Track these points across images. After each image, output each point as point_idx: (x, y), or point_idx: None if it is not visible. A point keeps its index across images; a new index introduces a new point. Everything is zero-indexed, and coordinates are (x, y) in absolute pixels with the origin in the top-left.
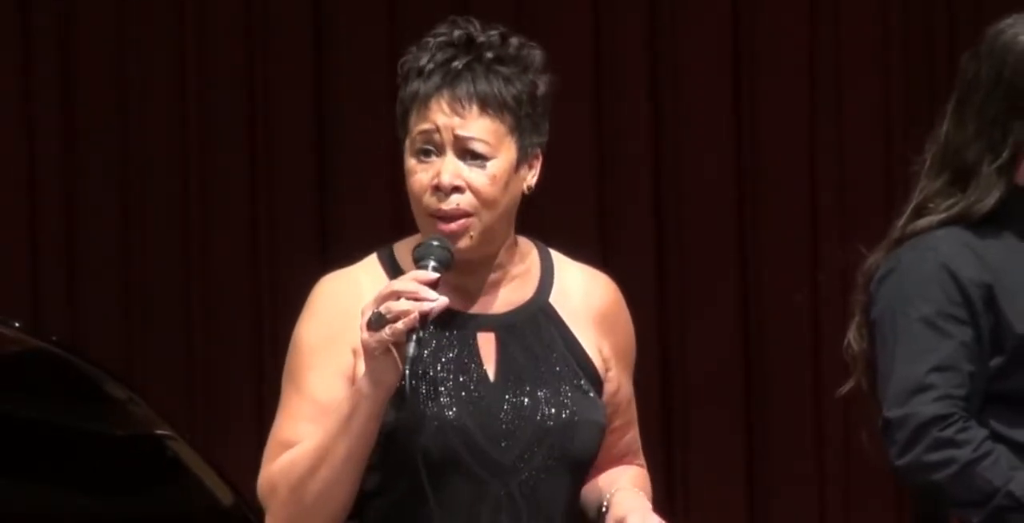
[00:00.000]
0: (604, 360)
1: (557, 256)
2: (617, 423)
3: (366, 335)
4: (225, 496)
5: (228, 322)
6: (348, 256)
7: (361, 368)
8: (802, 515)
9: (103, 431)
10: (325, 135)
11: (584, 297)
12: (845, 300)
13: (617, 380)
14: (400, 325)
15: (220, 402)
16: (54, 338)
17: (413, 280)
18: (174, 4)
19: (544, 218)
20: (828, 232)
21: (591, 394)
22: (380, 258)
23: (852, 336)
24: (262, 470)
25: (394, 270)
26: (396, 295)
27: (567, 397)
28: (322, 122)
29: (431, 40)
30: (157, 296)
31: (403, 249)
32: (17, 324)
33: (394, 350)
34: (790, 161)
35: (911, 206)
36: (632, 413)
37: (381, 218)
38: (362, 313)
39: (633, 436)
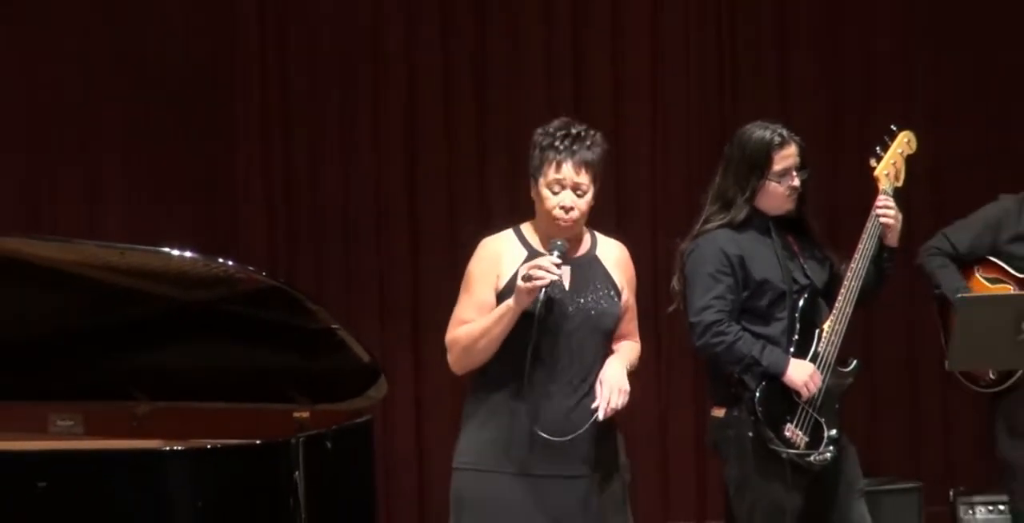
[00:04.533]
0: (621, 285)
1: (599, 234)
2: (627, 317)
3: (520, 283)
4: (365, 356)
5: (438, 261)
6: (497, 229)
7: (501, 284)
8: (646, 374)
9: (305, 325)
10: (487, 150)
11: (612, 252)
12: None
13: (626, 295)
14: (539, 283)
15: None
16: (281, 280)
17: (549, 262)
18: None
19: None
20: (671, 231)
21: (615, 299)
22: (514, 231)
23: (675, 282)
24: (448, 333)
25: (519, 238)
26: (538, 267)
27: (602, 300)
28: (484, 139)
29: (553, 130)
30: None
31: (526, 227)
32: (264, 272)
33: (535, 294)
34: (641, 183)
35: (702, 219)
36: (633, 313)
37: (519, 207)
38: (518, 272)
39: (634, 325)
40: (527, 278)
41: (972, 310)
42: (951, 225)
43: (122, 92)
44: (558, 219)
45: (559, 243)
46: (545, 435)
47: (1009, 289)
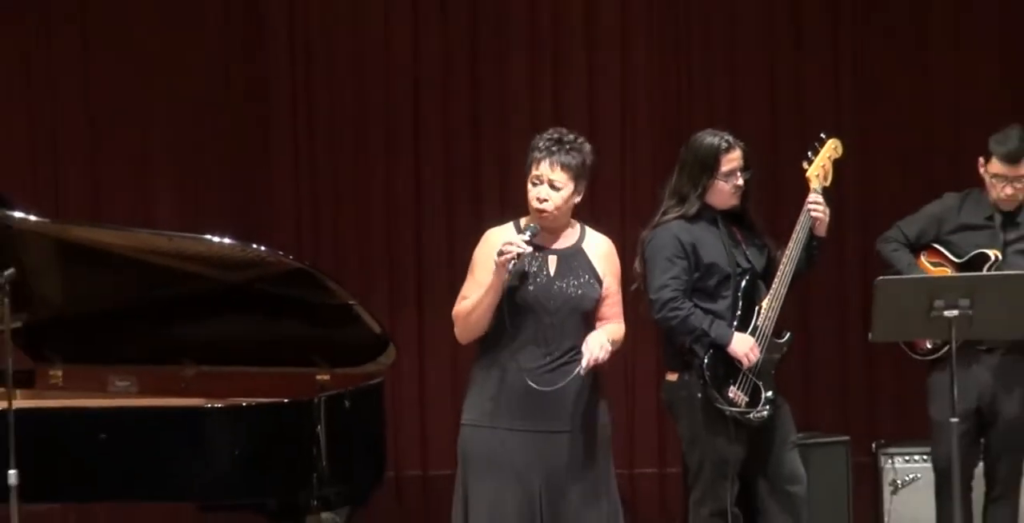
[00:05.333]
0: (603, 274)
1: (587, 228)
2: (609, 301)
3: (496, 258)
4: (376, 327)
5: (437, 254)
6: (488, 217)
7: None
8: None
9: (327, 302)
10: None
11: (598, 246)
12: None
13: (608, 282)
14: (508, 256)
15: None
16: (306, 262)
17: (519, 239)
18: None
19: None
20: (636, 221)
21: (595, 285)
22: (514, 223)
23: (636, 264)
24: (454, 309)
25: (516, 228)
26: (510, 243)
27: (583, 286)
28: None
29: (545, 135)
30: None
31: (524, 220)
32: (291, 257)
33: (507, 265)
34: (612, 181)
35: (660, 211)
36: (618, 297)
37: (508, 200)
38: (496, 250)
39: (618, 309)
40: (500, 253)
41: (889, 290)
42: (904, 218)
43: (172, 104)
44: (536, 209)
45: (532, 226)
46: (534, 384)
47: (947, 271)
